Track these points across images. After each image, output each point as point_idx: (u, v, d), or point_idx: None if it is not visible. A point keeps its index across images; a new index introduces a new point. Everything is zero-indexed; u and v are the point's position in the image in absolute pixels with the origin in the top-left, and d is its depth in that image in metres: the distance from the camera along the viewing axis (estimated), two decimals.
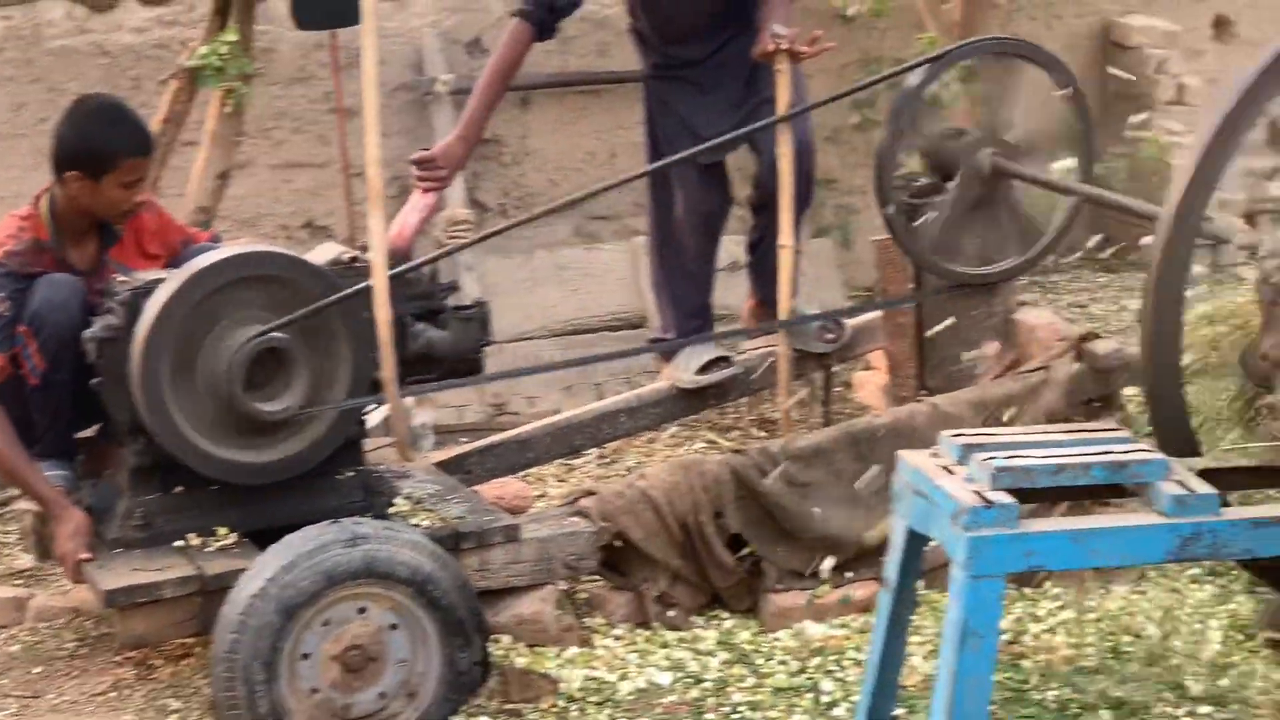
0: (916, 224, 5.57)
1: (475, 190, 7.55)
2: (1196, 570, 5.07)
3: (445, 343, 4.86)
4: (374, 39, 4.35)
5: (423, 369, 4.88)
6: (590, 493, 5.08)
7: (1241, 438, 4.36)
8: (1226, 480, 3.73)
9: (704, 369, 5.71)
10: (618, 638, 4.88)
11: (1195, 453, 3.80)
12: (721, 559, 5.02)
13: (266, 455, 4.58)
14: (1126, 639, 4.72)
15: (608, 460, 6.28)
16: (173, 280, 4.48)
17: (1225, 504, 3.58)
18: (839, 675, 4.62)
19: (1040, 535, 3.43)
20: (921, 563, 3.89)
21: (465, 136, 5.27)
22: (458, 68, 7.35)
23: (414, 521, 4.67)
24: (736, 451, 5.21)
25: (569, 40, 7.52)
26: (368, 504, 4.71)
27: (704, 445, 6.30)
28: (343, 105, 6.48)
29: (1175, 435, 3.81)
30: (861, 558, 5.08)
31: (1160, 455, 3.60)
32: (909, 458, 3.73)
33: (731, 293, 6.43)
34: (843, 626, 4.91)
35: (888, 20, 7.98)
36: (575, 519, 4.92)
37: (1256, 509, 3.59)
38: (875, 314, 5.99)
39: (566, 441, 5.63)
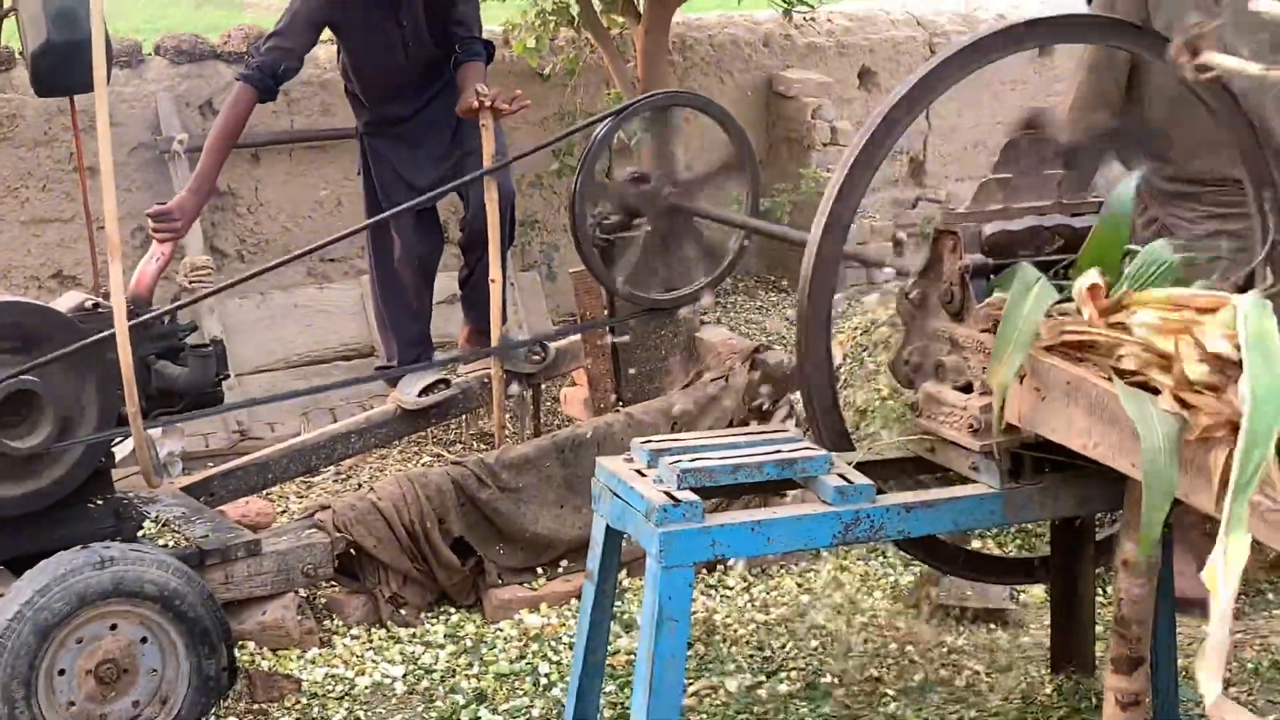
0: (609, 256, 5.60)
1: (214, 238, 7.36)
2: (862, 549, 5.13)
3: (186, 378, 4.71)
4: (105, 104, 4.19)
5: (166, 402, 4.73)
6: (325, 507, 4.98)
7: (895, 432, 4.41)
8: (881, 471, 3.77)
9: (425, 391, 5.65)
10: (355, 637, 4.77)
11: (851, 448, 3.83)
12: (447, 560, 4.95)
13: (20, 488, 4.35)
14: (803, 610, 4.77)
15: (344, 476, 6.16)
16: None
17: (881, 492, 3.62)
18: (555, 659, 4.58)
19: (722, 528, 3.42)
20: (621, 555, 3.87)
21: (197, 190, 5.13)
22: (192, 128, 7.15)
23: (161, 542, 4.53)
24: (456, 463, 5.14)
25: (295, 101, 7.38)
26: (118, 528, 4.52)
27: (430, 459, 6.22)
28: (84, 164, 6.25)
29: (832, 433, 3.84)
30: (572, 552, 5.06)
31: (823, 452, 3.63)
32: (606, 463, 3.69)
33: (449, 323, 6.37)
34: (557, 616, 4.86)
35: (580, 78, 7.98)
36: (312, 531, 4.81)
37: (906, 495, 3.63)
38: (576, 337, 5.97)
39: (304, 462, 5.49)
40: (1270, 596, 4.81)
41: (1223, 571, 2.63)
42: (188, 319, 5.15)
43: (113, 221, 4.23)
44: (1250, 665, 4.38)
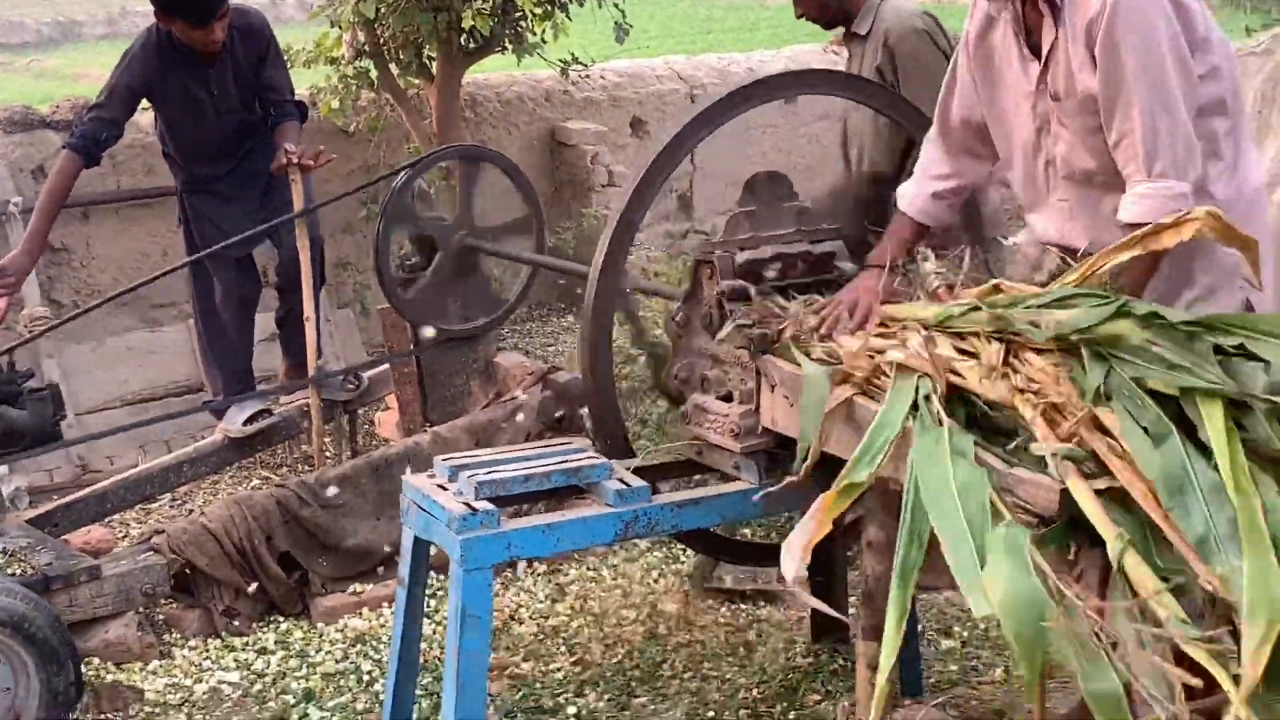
0: (410, 293, 5.55)
1: (51, 290, 7.11)
2: (648, 543, 5.15)
3: (24, 419, 4.57)
4: None
5: (9, 442, 4.58)
6: (160, 531, 4.86)
7: (669, 439, 4.43)
8: (656, 474, 3.79)
9: (250, 420, 5.53)
10: (193, 648, 4.65)
11: (632, 455, 3.84)
12: (275, 574, 4.85)
13: None
14: (595, 601, 4.76)
15: (180, 503, 5.99)
16: None
17: (657, 492, 3.63)
18: (376, 657, 4.51)
19: (517, 532, 3.41)
20: (431, 561, 3.83)
21: (29, 250, 4.98)
22: (26, 191, 6.91)
23: (9, 571, 4.35)
24: (280, 485, 5.04)
25: (120, 163, 7.17)
26: None
27: (259, 482, 6.08)
28: None
29: (613, 442, 3.85)
30: (389, 560, 4.99)
31: (604, 459, 3.63)
32: (412, 480, 3.65)
33: (271, 358, 6.25)
34: (378, 618, 4.79)
35: (382, 134, 7.90)
36: (149, 554, 4.67)
37: (678, 494, 3.66)
38: (386, 366, 5.91)
39: (140, 491, 5.34)
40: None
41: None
42: (26, 366, 4.97)
43: None
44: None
